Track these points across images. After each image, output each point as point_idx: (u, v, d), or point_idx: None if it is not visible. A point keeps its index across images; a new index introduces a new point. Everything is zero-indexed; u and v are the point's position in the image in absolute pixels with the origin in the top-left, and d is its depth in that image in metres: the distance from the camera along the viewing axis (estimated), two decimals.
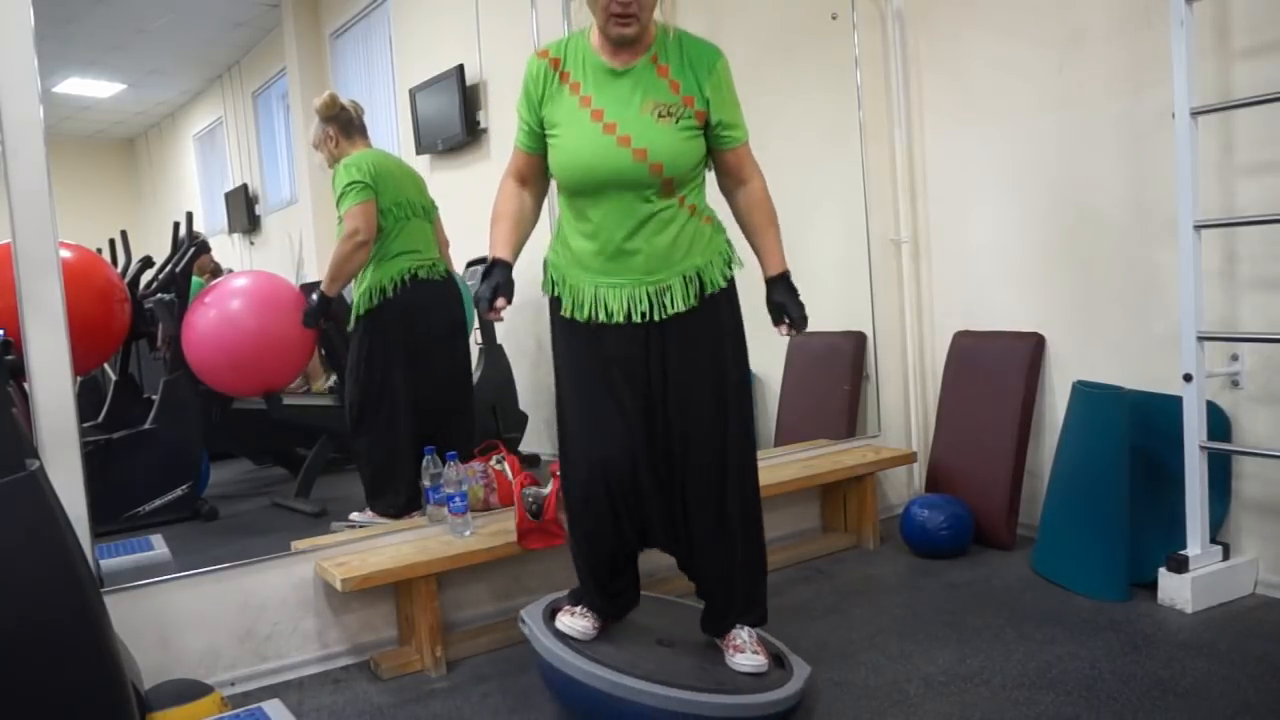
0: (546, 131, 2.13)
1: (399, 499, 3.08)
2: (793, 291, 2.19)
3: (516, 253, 2.17)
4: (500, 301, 2.07)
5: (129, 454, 3.47)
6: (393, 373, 3.09)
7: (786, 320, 2.17)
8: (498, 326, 4.05)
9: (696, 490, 2.16)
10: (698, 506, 2.16)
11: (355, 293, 3.15)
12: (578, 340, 2.17)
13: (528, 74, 2.14)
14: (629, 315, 2.10)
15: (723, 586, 2.21)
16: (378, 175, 3.05)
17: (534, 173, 2.21)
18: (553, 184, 2.25)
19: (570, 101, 2.10)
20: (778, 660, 2.23)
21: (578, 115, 2.08)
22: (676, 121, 2.07)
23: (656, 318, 2.10)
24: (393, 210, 3.09)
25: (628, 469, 2.14)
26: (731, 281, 2.19)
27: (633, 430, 2.14)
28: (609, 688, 2.06)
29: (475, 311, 3.89)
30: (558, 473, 2.38)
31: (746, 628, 2.22)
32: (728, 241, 2.21)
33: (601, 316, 2.11)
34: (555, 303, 2.21)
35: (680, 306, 2.10)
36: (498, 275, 2.09)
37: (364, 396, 3.13)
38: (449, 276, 3.25)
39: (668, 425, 2.14)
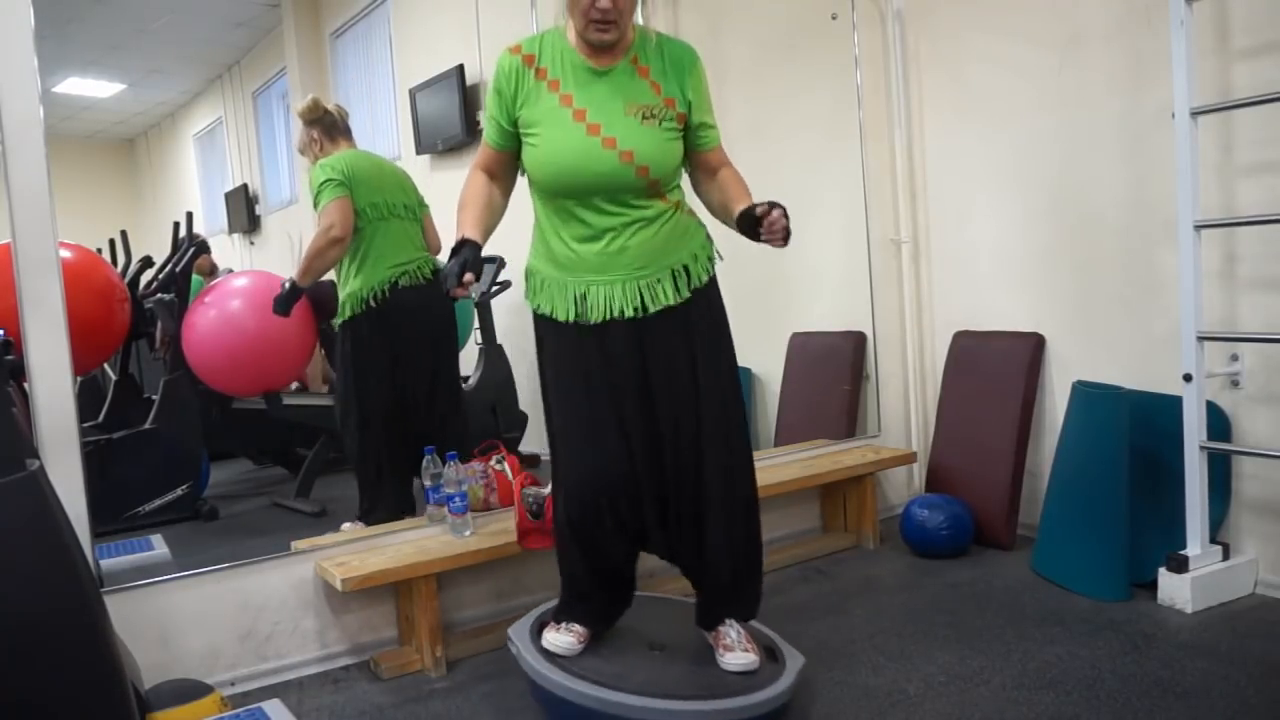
0: (523, 132, 2.10)
1: (370, 506, 3.07)
2: None
3: (486, 236, 2.10)
4: (468, 277, 1.96)
5: (129, 454, 3.47)
6: (370, 384, 3.08)
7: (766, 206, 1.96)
8: (498, 326, 4.05)
9: (708, 482, 2.13)
10: (708, 500, 2.14)
11: (340, 295, 3.14)
12: (569, 345, 2.14)
13: (499, 70, 2.11)
14: (621, 310, 2.08)
15: (726, 579, 2.18)
16: (352, 175, 3.04)
17: (502, 169, 2.19)
18: (522, 189, 2.22)
19: (549, 100, 2.07)
20: (769, 653, 2.22)
21: (559, 115, 2.05)
22: (660, 124, 2.06)
23: (649, 310, 2.08)
24: (368, 211, 3.06)
25: (625, 475, 2.12)
26: (715, 277, 2.20)
27: (629, 435, 2.12)
28: (599, 705, 2.03)
29: (472, 310, 3.95)
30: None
31: (736, 625, 2.20)
32: (708, 236, 2.21)
33: (594, 314, 2.09)
34: (539, 313, 2.19)
35: (671, 300, 2.09)
36: (466, 253, 2.00)
37: (344, 405, 3.15)
38: (436, 275, 3.17)
39: (672, 421, 2.12)
